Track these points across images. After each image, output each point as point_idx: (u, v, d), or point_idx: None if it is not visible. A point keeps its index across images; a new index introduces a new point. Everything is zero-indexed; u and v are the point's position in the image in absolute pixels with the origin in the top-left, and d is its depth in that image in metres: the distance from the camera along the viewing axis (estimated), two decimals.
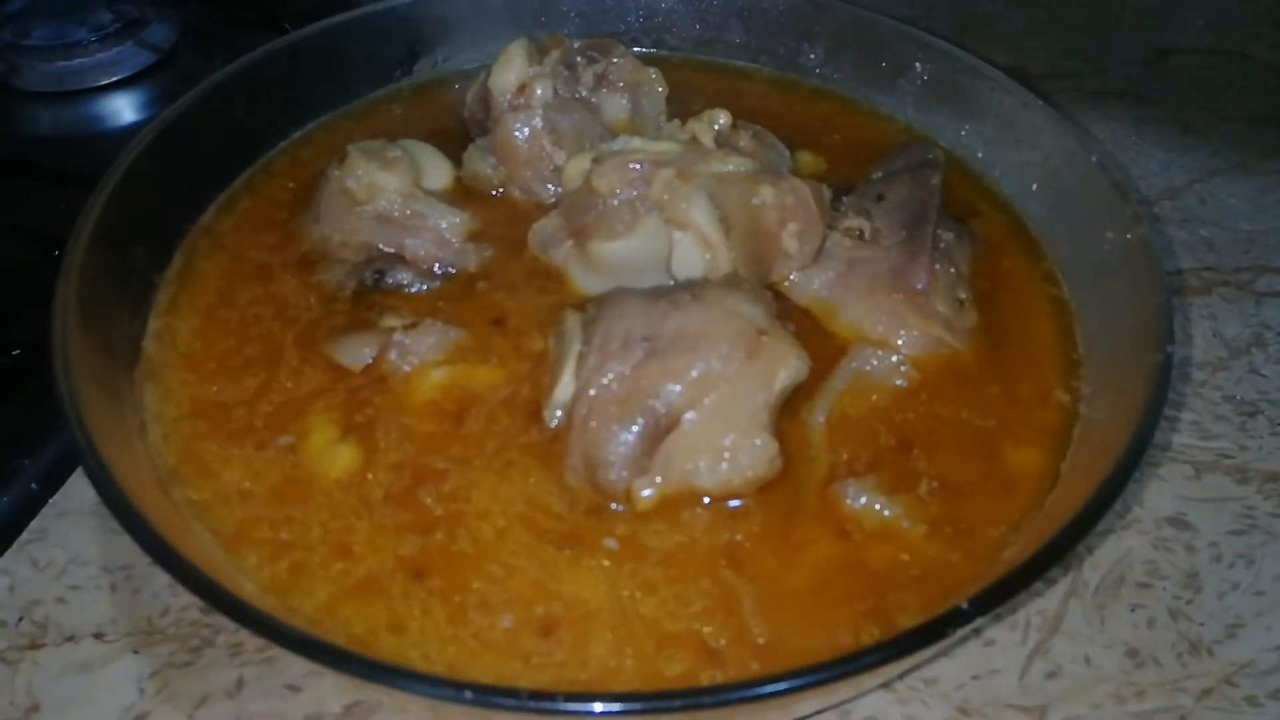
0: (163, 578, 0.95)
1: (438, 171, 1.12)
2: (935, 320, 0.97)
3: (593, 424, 0.84)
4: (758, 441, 0.83)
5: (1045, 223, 1.11)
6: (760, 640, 0.78)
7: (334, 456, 0.89)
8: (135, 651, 0.90)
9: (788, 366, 0.86)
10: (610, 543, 0.83)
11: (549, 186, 1.11)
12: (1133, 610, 0.98)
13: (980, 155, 1.19)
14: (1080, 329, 1.02)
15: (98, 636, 0.91)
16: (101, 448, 0.77)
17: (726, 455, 0.83)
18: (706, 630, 0.79)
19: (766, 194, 0.97)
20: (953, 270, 1.02)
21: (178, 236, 1.08)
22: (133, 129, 1.46)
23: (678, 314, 0.87)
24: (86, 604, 0.94)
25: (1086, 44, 1.83)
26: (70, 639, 0.91)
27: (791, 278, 1.02)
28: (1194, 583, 1.01)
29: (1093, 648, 0.95)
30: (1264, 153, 1.58)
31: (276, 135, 1.21)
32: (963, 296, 1.01)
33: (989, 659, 0.94)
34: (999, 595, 0.68)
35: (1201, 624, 0.97)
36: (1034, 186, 1.13)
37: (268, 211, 1.12)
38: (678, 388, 0.84)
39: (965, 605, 0.67)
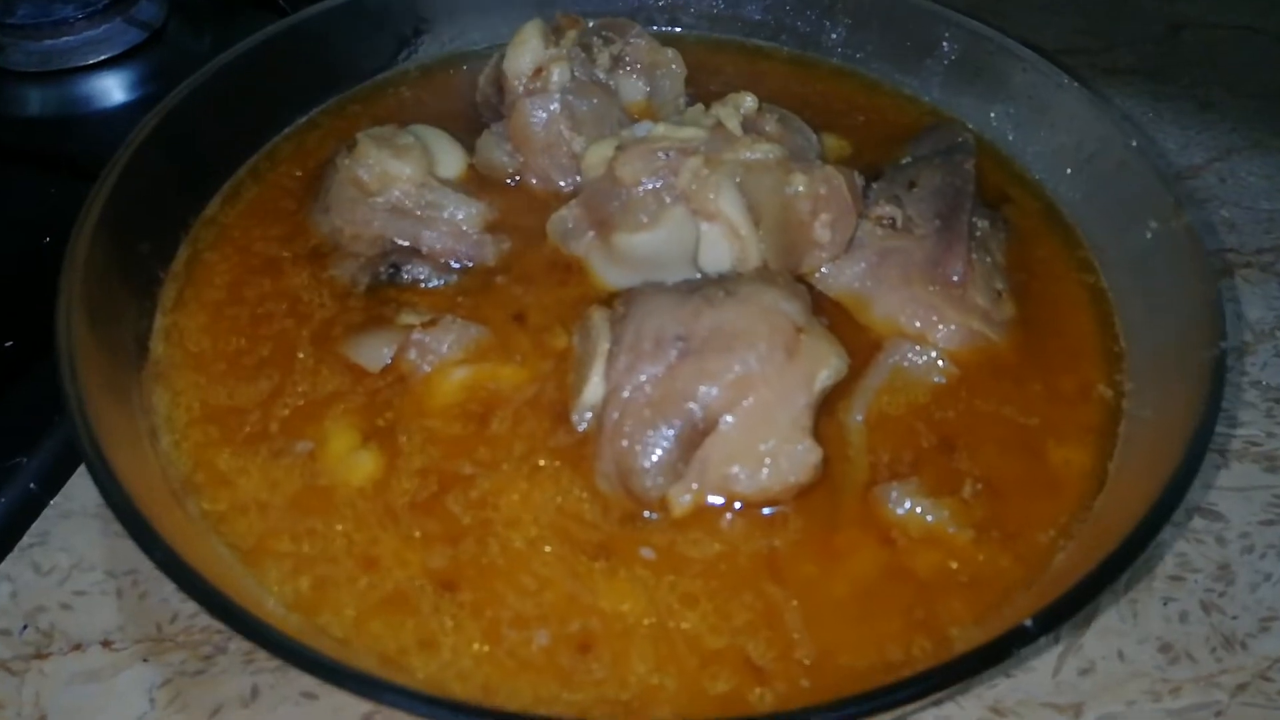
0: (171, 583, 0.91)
1: (450, 159, 1.08)
2: (973, 313, 0.94)
3: (625, 428, 0.81)
4: (800, 446, 0.80)
5: (1080, 209, 1.08)
6: (806, 658, 0.75)
7: (355, 463, 0.86)
8: (145, 660, 0.87)
9: (828, 366, 0.83)
10: (647, 553, 0.80)
11: (567, 174, 1.07)
12: (1165, 604, 0.96)
13: (1010, 138, 1.16)
14: (1121, 320, 0.99)
15: (105, 644, 0.88)
16: (113, 460, 0.73)
17: (767, 461, 0.80)
18: (751, 646, 0.76)
19: (799, 183, 0.93)
20: (989, 260, 0.99)
21: (181, 228, 1.04)
22: (122, 110, 1.41)
23: (712, 311, 0.83)
24: (93, 610, 0.90)
25: (1097, 20, 1.79)
26: (77, 647, 0.88)
27: (822, 269, 0.98)
28: (1225, 575, 0.99)
29: (1126, 643, 0.93)
30: None
31: (280, 121, 1.16)
32: (1000, 287, 0.98)
33: (1021, 656, 0.91)
34: (1064, 611, 0.66)
35: (1234, 617, 0.96)
36: (1068, 171, 1.09)
37: (274, 201, 1.08)
38: (714, 390, 0.81)
39: (1029, 624, 0.65)
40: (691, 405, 0.81)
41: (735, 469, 0.81)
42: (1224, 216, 1.39)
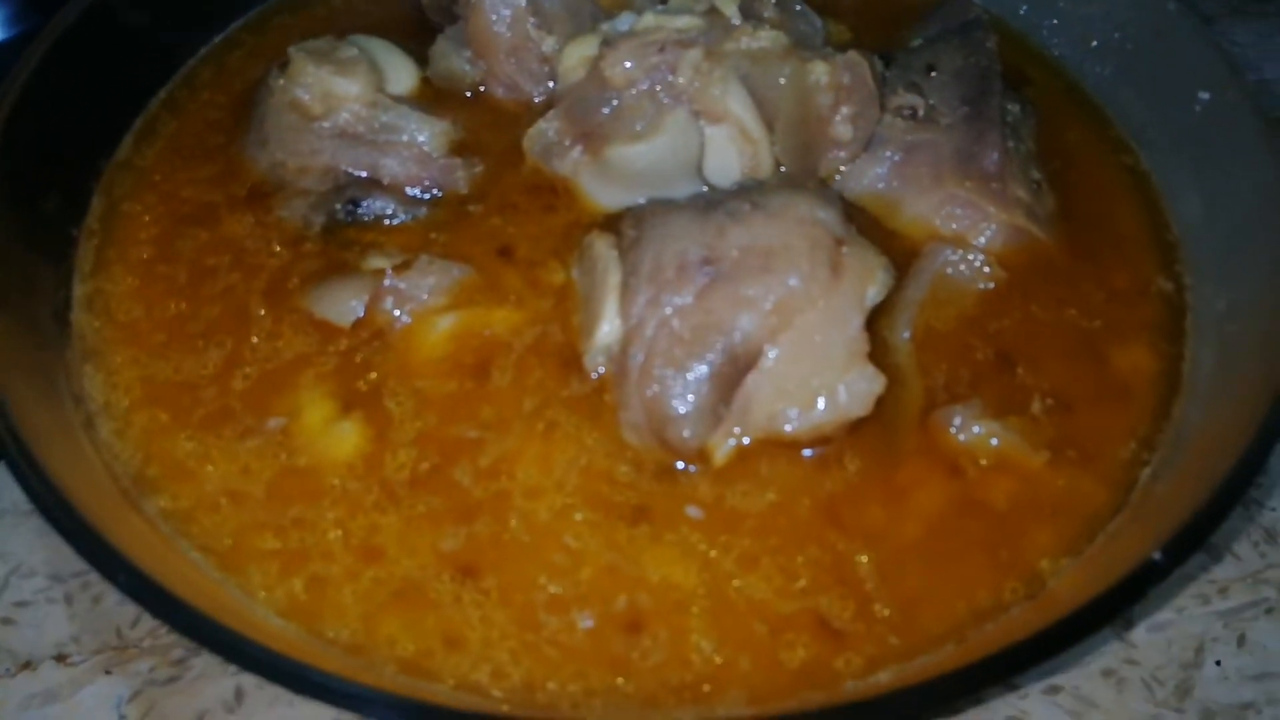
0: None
1: (400, 73, 0.94)
2: (1016, 207, 0.85)
3: (654, 371, 0.70)
4: (860, 374, 0.70)
5: (1110, 86, 0.97)
6: (889, 613, 0.67)
7: (337, 437, 0.73)
8: (108, 672, 0.76)
9: (875, 280, 0.73)
10: (694, 512, 0.70)
11: (538, 81, 0.93)
12: None
13: (1022, 13, 1.05)
14: (1170, 205, 0.90)
15: (60, 659, 0.77)
16: (48, 462, 0.60)
17: (822, 395, 0.70)
18: (825, 605, 0.68)
19: (820, 72, 0.81)
20: (1023, 148, 0.89)
21: (92, 176, 0.88)
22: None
23: (739, 228, 0.72)
24: (40, 622, 0.79)
25: None
26: (27, 665, 0.76)
27: (841, 171, 0.87)
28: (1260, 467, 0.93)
29: None
30: None
31: (195, 40, 0.99)
32: (1037, 177, 0.89)
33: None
34: (1194, 539, 0.58)
35: (1273, 509, 0.90)
36: (1093, 44, 0.99)
37: (199, 136, 0.92)
38: (754, 318, 0.70)
39: (1158, 557, 0.56)
40: (728, 338, 0.70)
41: (784, 408, 0.70)
42: None
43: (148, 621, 0.78)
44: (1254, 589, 0.84)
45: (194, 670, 0.76)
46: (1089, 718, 0.76)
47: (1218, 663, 0.79)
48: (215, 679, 0.76)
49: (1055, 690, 0.77)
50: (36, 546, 0.82)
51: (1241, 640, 0.80)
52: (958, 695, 0.54)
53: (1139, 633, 0.80)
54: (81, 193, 0.87)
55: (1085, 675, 0.78)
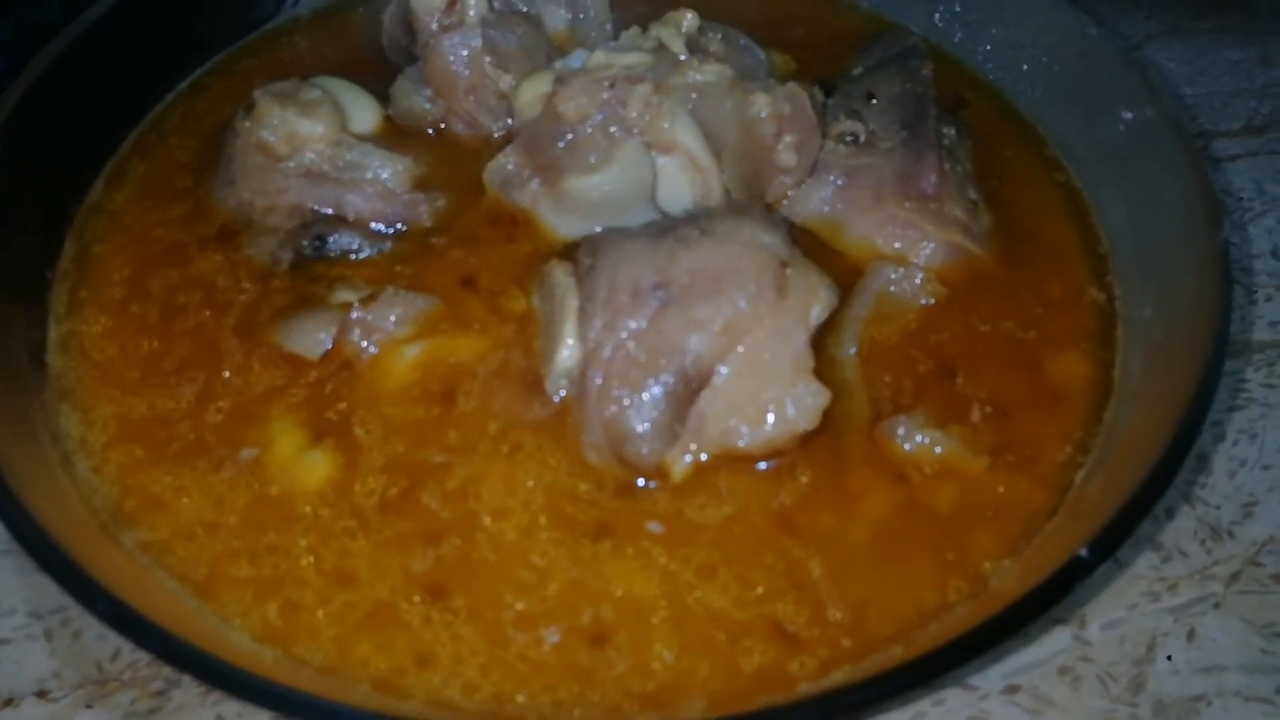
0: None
1: (363, 112, 0.97)
2: (954, 226, 0.89)
3: (613, 391, 0.74)
4: (806, 390, 0.73)
5: (1040, 107, 1.03)
6: (841, 616, 0.70)
7: (308, 465, 0.76)
8: (89, 706, 0.77)
9: (819, 300, 0.77)
10: (654, 526, 0.73)
11: (497, 117, 0.97)
12: None
13: (958, 40, 1.10)
14: (1100, 219, 0.95)
15: (41, 695, 0.78)
16: (26, 498, 0.63)
17: (771, 410, 0.74)
18: (780, 612, 0.71)
19: (761, 104, 0.85)
20: (959, 169, 0.93)
21: (63, 219, 0.90)
22: None
23: (689, 253, 0.76)
24: (21, 659, 0.80)
25: None
26: (9, 703, 0.78)
27: (788, 196, 0.91)
28: (1203, 465, 0.97)
29: None
30: (1197, 13, 1.53)
31: (162, 86, 1.02)
32: (974, 197, 0.93)
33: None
34: (1119, 535, 0.61)
35: (1218, 507, 0.94)
36: (1024, 68, 1.04)
37: (168, 178, 0.95)
38: (705, 338, 0.74)
39: (1085, 553, 0.60)
40: (681, 358, 0.74)
41: (736, 424, 0.74)
42: None
43: (127, 655, 0.80)
44: (1201, 585, 0.88)
45: (174, 701, 0.78)
46: (1047, 715, 0.79)
47: (1169, 657, 0.82)
48: (195, 710, 0.77)
49: (1014, 690, 0.80)
50: (15, 585, 0.84)
51: (1191, 635, 0.83)
52: (897, 692, 0.57)
53: (1093, 631, 0.83)
54: (54, 236, 0.89)
55: (1043, 674, 0.81)
